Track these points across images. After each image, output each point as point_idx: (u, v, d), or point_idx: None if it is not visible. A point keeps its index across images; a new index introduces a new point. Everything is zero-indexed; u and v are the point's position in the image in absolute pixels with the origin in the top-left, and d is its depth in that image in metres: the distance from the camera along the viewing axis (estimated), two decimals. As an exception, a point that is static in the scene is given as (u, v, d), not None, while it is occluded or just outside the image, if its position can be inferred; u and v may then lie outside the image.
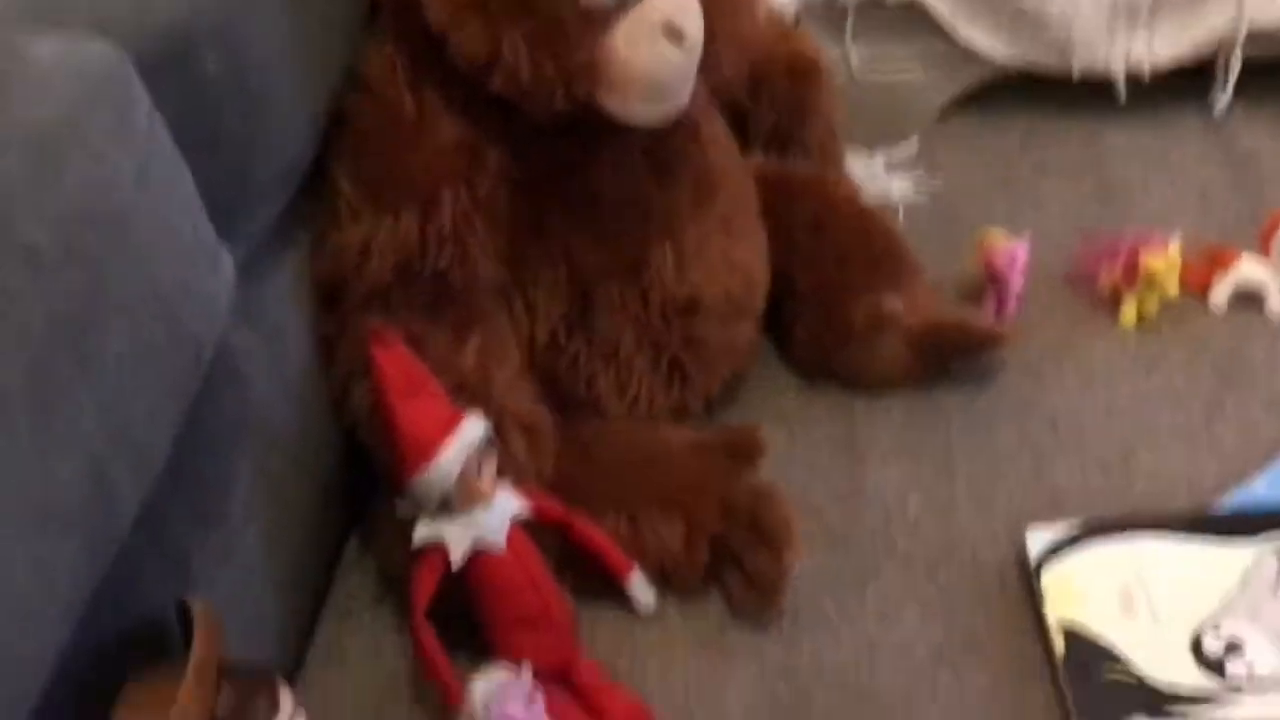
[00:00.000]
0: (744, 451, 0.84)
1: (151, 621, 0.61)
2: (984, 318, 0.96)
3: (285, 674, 0.77)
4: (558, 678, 0.77)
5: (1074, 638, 0.74)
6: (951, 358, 0.94)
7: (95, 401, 0.49)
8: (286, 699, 0.58)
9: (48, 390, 0.47)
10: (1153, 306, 0.98)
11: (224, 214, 0.66)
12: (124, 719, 0.55)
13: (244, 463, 0.71)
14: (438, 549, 0.74)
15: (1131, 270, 0.96)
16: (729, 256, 0.90)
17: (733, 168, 0.93)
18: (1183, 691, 0.70)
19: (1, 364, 0.45)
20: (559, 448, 0.83)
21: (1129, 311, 0.98)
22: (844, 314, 0.93)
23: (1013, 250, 0.97)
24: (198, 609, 0.57)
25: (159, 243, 0.54)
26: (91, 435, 0.49)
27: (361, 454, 0.83)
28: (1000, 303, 0.99)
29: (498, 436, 0.77)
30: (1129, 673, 0.72)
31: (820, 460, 0.91)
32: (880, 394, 0.95)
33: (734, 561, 0.81)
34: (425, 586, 0.74)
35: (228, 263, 0.64)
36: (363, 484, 0.86)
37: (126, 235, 0.52)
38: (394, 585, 0.82)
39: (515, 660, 0.73)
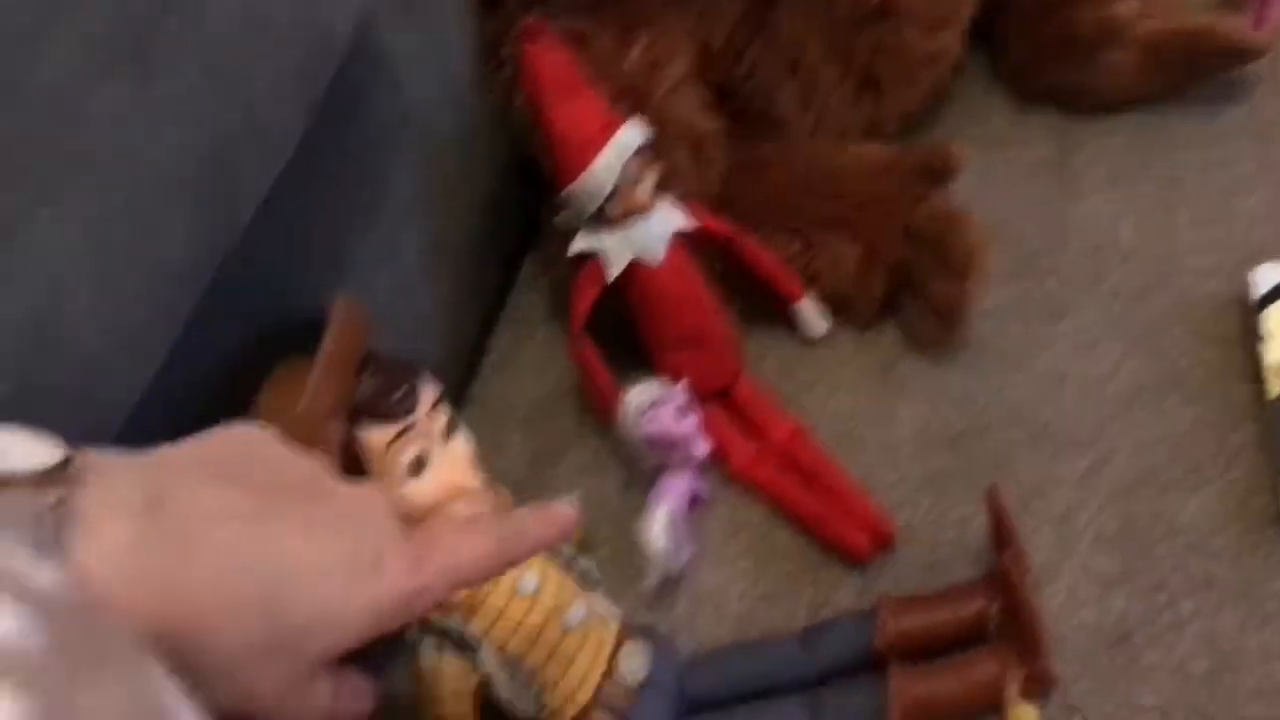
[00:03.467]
0: (936, 171, 0.77)
1: (307, 317, 0.62)
2: (1239, 25, 0.83)
3: (456, 380, 0.79)
4: (718, 397, 0.75)
5: (1294, 380, 0.66)
6: (1193, 72, 0.82)
7: (204, 66, 0.48)
8: (429, 389, 0.58)
9: (149, 42, 0.45)
10: None
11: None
12: (266, 399, 0.57)
13: (402, 166, 0.71)
14: (596, 261, 0.72)
15: None
16: (933, -47, 0.80)
17: None
18: None
19: (94, 7, 0.43)
20: (731, 163, 0.79)
21: None
22: (1068, 17, 0.83)
23: (1283, -55, 0.83)
24: (339, 301, 0.57)
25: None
26: (203, 102, 0.48)
27: (533, 167, 0.81)
28: (1262, 7, 0.85)
29: (661, 145, 0.73)
30: (1355, 421, 0.63)
31: (1028, 187, 0.83)
32: (1103, 116, 0.85)
33: (914, 287, 0.75)
34: (585, 297, 0.73)
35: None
36: (538, 200, 0.85)
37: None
38: (566, 301, 0.81)
39: (675, 378, 0.71)
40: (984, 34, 0.88)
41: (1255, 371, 0.68)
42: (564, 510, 0.47)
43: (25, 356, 0.41)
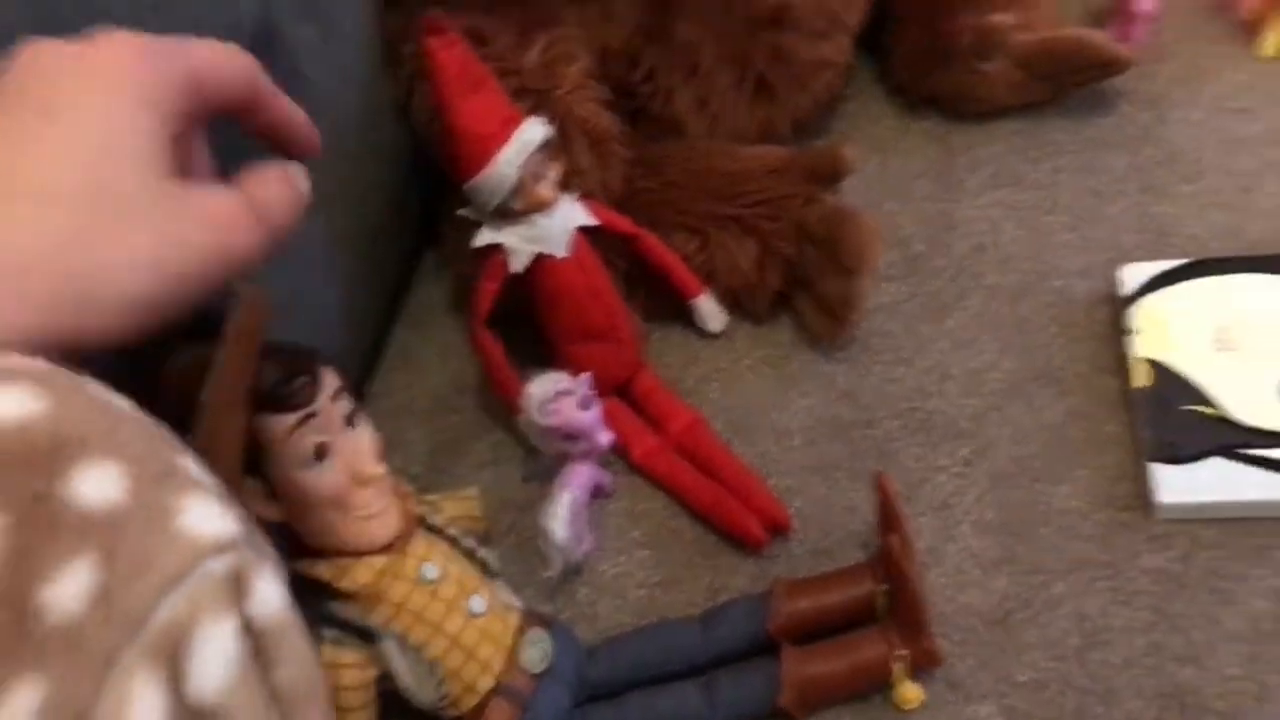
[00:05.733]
0: (827, 171, 0.80)
1: (206, 306, 0.62)
2: (1108, 38, 0.87)
3: (356, 374, 0.79)
4: (619, 390, 0.77)
5: (1158, 371, 0.70)
6: (1065, 81, 0.87)
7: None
8: (330, 378, 0.59)
9: (52, 32, 0.45)
10: (1301, 33, 0.88)
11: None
12: (163, 385, 0.56)
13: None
14: (499, 255, 0.73)
15: (1281, -10, 0.86)
16: (824, -38, 0.83)
17: None
18: (1266, 430, 0.66)
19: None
20: (630, 162, 0.80)
21: (1271, 39, 0.88)
22: (950, 30, 0.87)
23: (1147, -36, 0.88)
24: (240, 289, 0.57)
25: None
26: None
27: (433, 162, 0.82)
28: (1127, 25, 0.90)
29: (562, 142, 0.74)
30: (1212, 410, 0.68)
31: (913, 189, 0.87)
32: (983, 121, 0.89)
33: (807, 284, 0.78)
34: (486, 292, 0.74)
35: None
36: (438, 194, 0.85)
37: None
38: (467, 295, 0.82)
39: (577, 370, 0.72)
40: (872, 42, 0.91)
41: (1123, 365, 0.73)
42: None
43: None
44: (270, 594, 0.27)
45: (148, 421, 0.29)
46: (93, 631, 0.21)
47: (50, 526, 0.23)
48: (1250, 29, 0.90)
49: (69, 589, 0.22)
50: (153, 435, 0.28)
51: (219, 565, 0.25)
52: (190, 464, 0.29)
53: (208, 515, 0.26)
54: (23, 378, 0.25)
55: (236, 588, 0.26)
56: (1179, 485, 0.66)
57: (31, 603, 0.21)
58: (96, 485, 0.24)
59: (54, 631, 0.21)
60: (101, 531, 0.23)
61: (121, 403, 0.29)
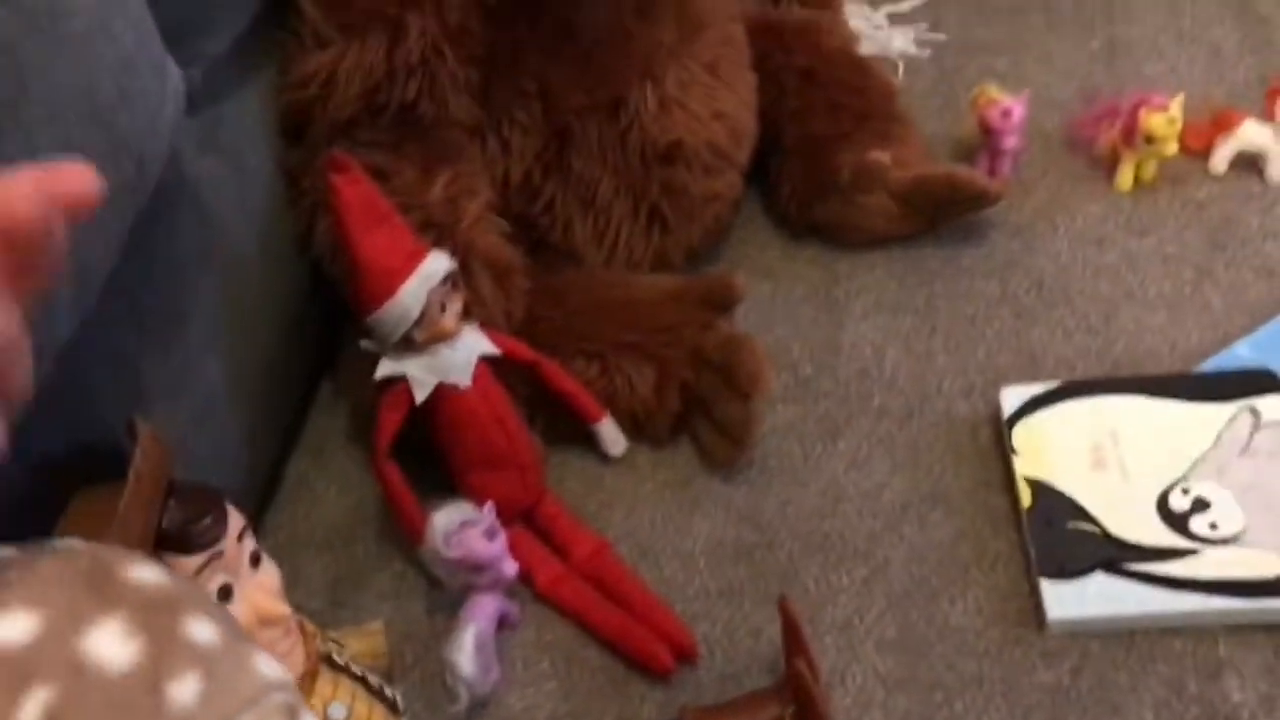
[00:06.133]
0: (720, 299, 0.83)
1: (105, 444, 0.61)
2: (976, 174, 0.93)
3: (252, 507, 0.78)
4: (522, 517, 0.77)
5: (1041, 490, 0.74)
6: (939, 214, 0.92)
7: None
8: (235, 518, 0.58)
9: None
10: (1151, 169, 0.95)
11: (178, 25, 0.63)
12: (68, 529, 0.55)
13: (205, 292, 0.70)
14: (402, 385, 0.74)
15: (1131, 130, 0.94)
16: (714, 103, 0.87)
17: (721, 10, 0.90)
18: (1145, 546, 0.70)
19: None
20: (530, 291, 0.82)
21: (1126, 173, 0.95)
22: (831, 165, 0.91)
23: (1009, 106, 0.94)
24: (142, 427, 0.56)
25: (91, 40, 0.52)
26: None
27: (332, 294, 0.82)
28: (994, 161, 0.96)
29: (465, 274, 0.75)
30: (1093, 527, 0.71)
31: (800, 315, 0.90)
32: (864, 250, 0.93)
33: (704, 409, 0.80)
34: (389, 423, 0.74)
35: (175, 74, 0.62)
36: (335, 325, 0.85)
37: (54, 27, 0.50)
38: (366, 424, 0.81)
39: (480, 499, 0.72)
40: (759, 175, 0.95)
41: (1009, 483, 0.76)
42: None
43: None
44: None
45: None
46: (198, 719, 0.32)
47: (174, 648, 0.33)
48: (1105, 164, 0.97)
49: (186, 690, 0.32)
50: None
51: (280, 697, 0.35)
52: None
53: (271, 664, 0.37)
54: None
55: (291, 714, 0.35)
56: (1067, 600, 0.68)
57: (164, 693, 0.32)
58: (201, 630, 0.34)
59: (176, 715, 0.32)
60: (205, 658, 0.34)
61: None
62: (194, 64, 0.66)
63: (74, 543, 0.38)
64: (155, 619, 0.34)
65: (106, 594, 0.34)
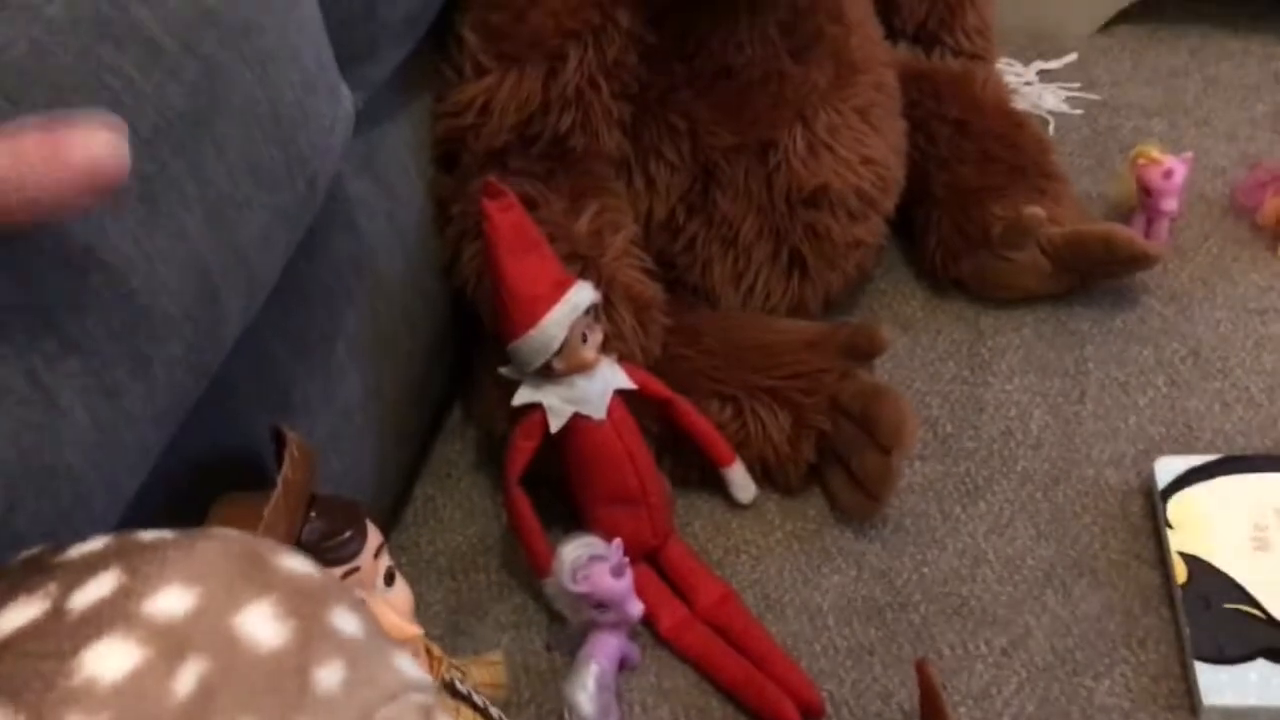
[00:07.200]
0: (862, 349, 0.81)
1: (249, 450, 0.61)
2: (1135, 235, 0.90)
3: (379, 527, 0.78)
4: (648, 557, 0.76)
5: (1197, 568, 0.70)
6: (1092, 273, 0.89)
7: (205, 208, 0.48)
8: (374, 534, 0.58)
9: (157, 186, 0.46)
10: (1318, 241, 0.91)
11: (347, 51, 0.65)
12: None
13: (352, 309, 0.71)
14: (537, 413, 0.73)
15: (1298, 200, 0.89)
16: (863, 148, 0.86)
17: (876, 56, 0.89)
18: (1313, 635, 0.65)
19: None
20: (669, 329, 0.81)
21: (1291, 243, 0.91)
22: (981, 217, 0.89)
23: (1170, 167, 0.91)
24: (291, 436, 0.56)
25: (279, 58, 0.53)
26: (200, 243, 0.48)
27: (469, 321, 0.82)
28: (1151, 222, 0.93)
29: (606, 307, 0.75)
30: (1256, 610, 0.67)
31: (942, 370, 0.87)
32: (1011, 307, 0.91)
33: (840, 460, 0.78)
34: (522, 450, 0.73)
35: (347, 97, 0.63)
36: (469, 352, 0.85)
37: (248, 42, 0.51)
38: (494, 452, 0.81)
39: (607, 534, 0.71)
40: (904, 224, 0.93)
41: (1160, 558, 0.72)
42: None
43: (16, 478, 0.41)
44: None
45: None
46: (340, 705, 0.33)
47: (322, 635, 0.34)
48: (1268, 233, 0.93)
49: (331, 677, 0.33)
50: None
51: (419, 697, 0.35)
52: None
53: (412, 664, 0.36)
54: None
55: (428, 715, 0.35)
56: (1225, 687, 0.64)
57: (310, 676, 0.32)
58: (347, 622, 0.35)
59: (320, 698, 0.32)
60: (350, 649, 0.34)
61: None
62: (359, 88, 0.67)
63: (229, 530, 0.38)
64: (304, 606, 0.34)
65: (260, 578, 0.34)
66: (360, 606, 0.37)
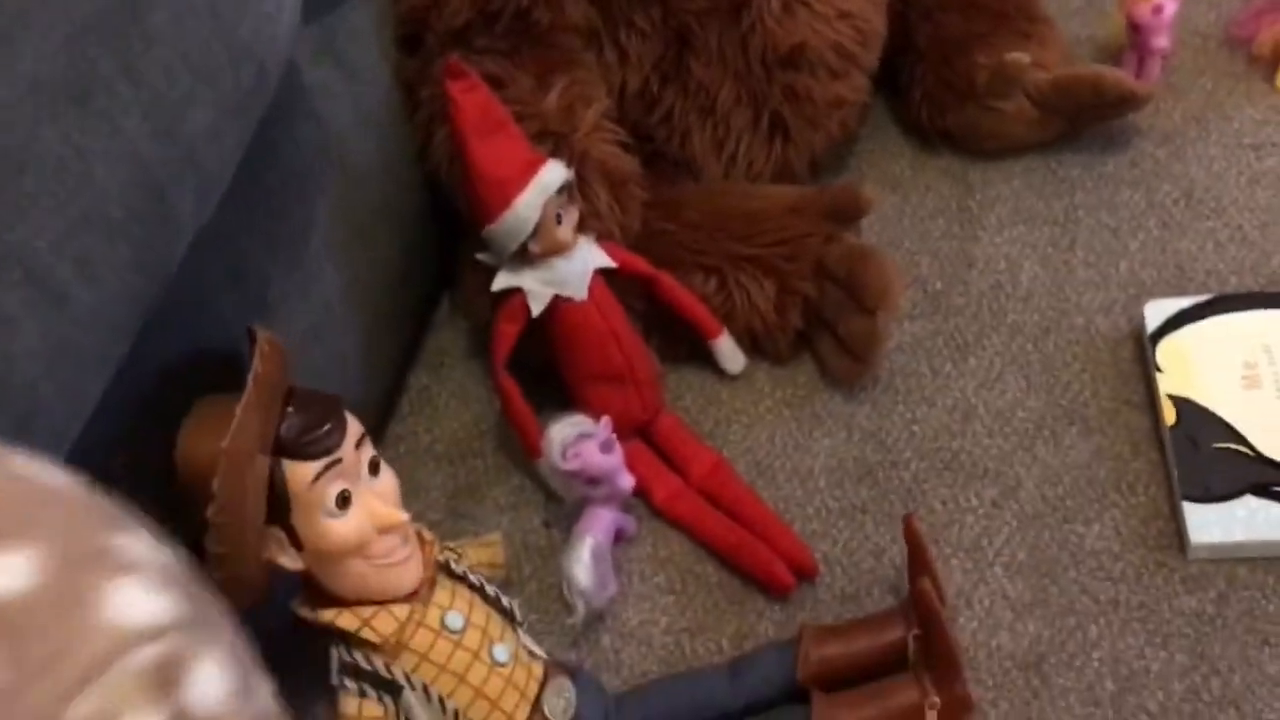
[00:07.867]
0: (846, 211, 0.80)
1: (228, 352, 0.61)
2: (1123, 75, 0.87)
3: (372, 419, 0.78)
4: (640, 432, 0.76)
5: (1186, 409, 0.69)
6: (1082, 118, 0.86)
7: (141, 105, 0.47)
8: (353, 425, 0.58)
9: (88, 84, 0.45)
10: (1317, 68, 0.88)
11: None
12: (187, 434, 0.56)
13: (322, 200, 0.70)
14: (518, 298, 0.73)
15: (1296, 27, 0.86)
16: (840, 2, 0.83)
17: (849, -96, 0.85)
18: (1302, 470, 0.66)
19: (39, 54, 0.43)
20: (647, 204, 0.80)
21: (1288, 73, 0.89)
22: (966, 68, 0.86)
23: (1159, 2, 0.88)
24: (261, 332, 0.56)
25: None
26: (139, 141, 0.47)
27: (450, 207, 0.81)
28: (1142, 61, 0.90)
29: (580, 185, 0.74)
30: (1243, 448, 0.67)
31: (930, 227, 0.86)
32: (1000, 159, 0.89)
33: (827, 324, 0.77)
34: (506, 335, 0.74)
35: (291, -19, 0.61)
36: (454, 239, 0.85)
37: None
38: (484, 339, 0.81)
39: (596, 413, 0.71)
40: (887, 80, 0.91)
41: (1151, 402, 0.72)
42: None
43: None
44: (211, 683, 0.24)
45: (81, 498, 0.26)
46: None
47: None
48: (1264, 65, 0.90)
49: None
50: (83, 514, 0.25)
51: (144, 655, 0.23)
52: (132, 541, 0.25)
53: (136, 600, 0.24)
54: None
55: (165, 679, 0.23)
56: (1213, 524, 0.65)
57: None
58: (3, 576, 0.22)
59: None
60: (7, 626, 0.21)
61: (53, 478, 0.26)
62: (310, -29, 0.65)
63: None
64: None
65: None
66: (43, 530, 0.24)
